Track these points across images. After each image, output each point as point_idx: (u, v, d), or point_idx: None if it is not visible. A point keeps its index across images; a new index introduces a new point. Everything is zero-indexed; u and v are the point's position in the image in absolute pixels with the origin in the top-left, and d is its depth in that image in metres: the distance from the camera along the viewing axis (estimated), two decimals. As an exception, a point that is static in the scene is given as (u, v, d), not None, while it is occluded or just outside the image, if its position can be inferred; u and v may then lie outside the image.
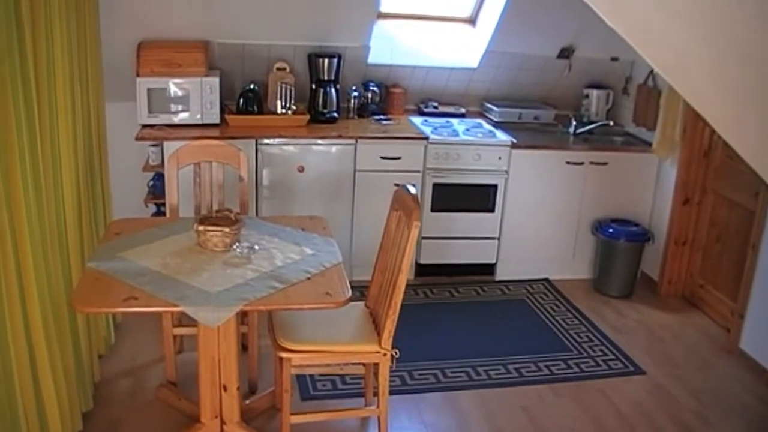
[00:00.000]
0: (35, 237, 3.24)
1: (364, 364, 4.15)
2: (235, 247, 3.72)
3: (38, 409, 3.31)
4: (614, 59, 6.34)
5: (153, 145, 5.43)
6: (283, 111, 5.65)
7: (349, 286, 3.47)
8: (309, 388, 4.46)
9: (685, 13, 2.06)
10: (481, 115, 6.45)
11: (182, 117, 5.41)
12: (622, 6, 2.41)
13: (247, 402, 4.16)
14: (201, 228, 3.69)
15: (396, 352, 3.75)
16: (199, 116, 5.42)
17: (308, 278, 3.52)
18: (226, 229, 3.68)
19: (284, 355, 3.65)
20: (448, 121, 6.10)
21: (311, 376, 4.54)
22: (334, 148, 5.53)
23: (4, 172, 2.94)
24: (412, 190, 3.76)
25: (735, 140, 2.35)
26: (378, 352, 3.73)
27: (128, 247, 3.75)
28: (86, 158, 4.27)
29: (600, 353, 5.09)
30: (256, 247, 3.75)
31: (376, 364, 3.83)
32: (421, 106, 6.33)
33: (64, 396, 3.56)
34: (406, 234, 3.61)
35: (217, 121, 5.47)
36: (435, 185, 5.74)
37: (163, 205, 5.35)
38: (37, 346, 3.28)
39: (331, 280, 3.53)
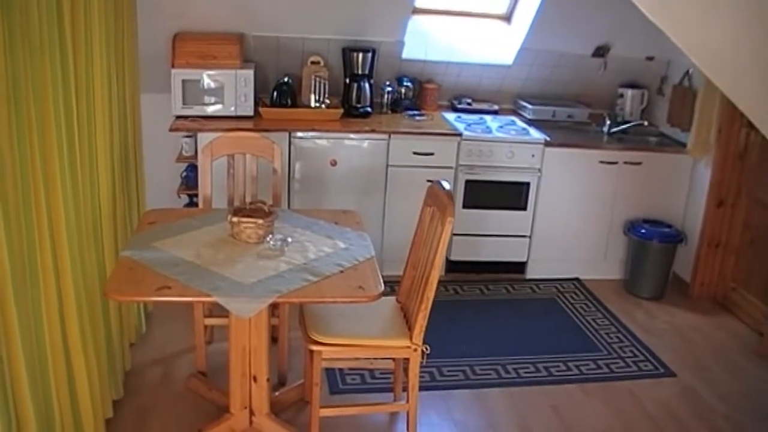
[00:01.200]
0: (71, 226, 3.26)
1: (393, 359, 4.16)
2: (268, 239, 3.72)
3: (71, 395, 3.34)
4: (650, 58, 6.29)
5: (186, 137, 5.46)
6: (317, 105, 5.66)
7: (381, 281, 3.46)
8: (338, 382, 4.46)
9: (724, 6, 2.04)
10: (515, 113, 6.42)
11: (216, 109, 5.43)
12: (666, 2, 2.39)
13: (277, 394, 4.17)
14: (235, 219, 3.70)
15: (427, 348, 3.74)
16: (232, 108, 5.44)
17: (341, 272, 3.52)
18: (260, 221, 3.69)
19: (315, 348, 3.65)
20: (481, 118, 6.08)
21: (340, 370, 4.54)
22: (366, 143, 5.52)
23: (43, 162, 2.97)
24: (446, 186, 3.75)
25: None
26: (409, 347, 3.72)
27: (162, 237, 3.77)
28: (122, 149, 4.30)
29: (630, 354, 5.06)
30: (289, 240, 3.75)
31: (406, 360, 3.82)
32: (455, 102, 6.31)
33: (96, 383, 3.58)
34: (439, 230, 3.60)
35: (251, 113, 5.49)
36: (467, 182, 5.73)
37: (196, 196, 5.38)
38: (71, 334, 3.30)
39: (364, 274, 3.53)
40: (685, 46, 2.51)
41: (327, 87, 5.66)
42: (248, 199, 4.36)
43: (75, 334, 3.32)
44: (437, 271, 3.60)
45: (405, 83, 6.07)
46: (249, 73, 5.42)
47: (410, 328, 3.74)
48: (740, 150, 5.68)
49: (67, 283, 3.23)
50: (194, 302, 4.23)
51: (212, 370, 4.40)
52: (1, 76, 2.51)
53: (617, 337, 5.27)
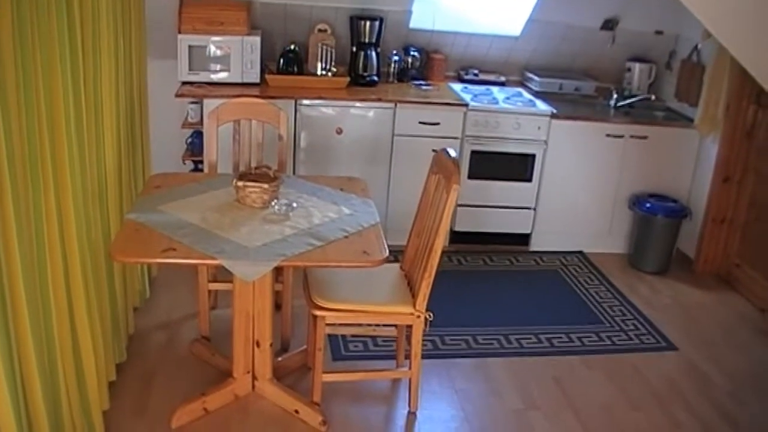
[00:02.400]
0: (77, 189, 3.26)
1: (396, 327, 4.17)
2: (273, 204, 3.73)
3: (75, 358, 3.34)
4: (658, 33, 6.26)
5: (192, 103, 5.45)
6: (323, 73, 5.64)
7: (386, 246, 3.48)
8: (341, 349, 4.47)
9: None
10: (522, 85, 6.39)
11: (222, 75, 5.41)
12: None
13: (279, 359, 4.18)
14: (240, 184, 3.70)
15: (430, 315, 3.75)
16: (239, 75, 5.42)
17: (346, 237, 3.53)
18: (265, 186, 3.69)
19: (318, 313, 3.66)
20: (488, 89, 6.05)
21: (343, 336, 4.55)
22: (372, 112, 5.51)
23: (50, 125, 2.95)
24: (453, 153, 3.75)
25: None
26: (412, 314, 3.73)
27: (168, 200, 3.78)
28: (127, 114, 4.29)
29: (632, 327, 5.06)
30: (294, 205, 3.75)
31: (409, 327, 3.83)
32: (462, 73, 6.28)
33: (100, 346, 3.59)
34: (444, 197, 3.60)
35: (257, 80, 5.47)
36: (473, 152, 5.72)
37: (201, 162, 5.38)
38: (76, 296, 3.30)
39: (368, 239, 3.54)
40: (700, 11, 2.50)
41: (334, 55, 5.64)
42: (254, 165, 4.35)
43: (80, 297, 3.32)
44: (442, 239, 3.60)
45: (412, 53, 6.04)
46: (256, 40, 5.40)
47: (414, 296, 3.75)
48: (748, 127, 5.66)
49: (72, 246, 3.23)
50: (199, 266, 4.25)
51: (216, 335, 4.41)
52: (7, 37, 2.50)
53: (620, 311, 5.27)
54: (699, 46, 5.89)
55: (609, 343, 4.85)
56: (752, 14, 2.18)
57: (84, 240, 3.36)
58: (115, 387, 3.90)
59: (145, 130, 4.82)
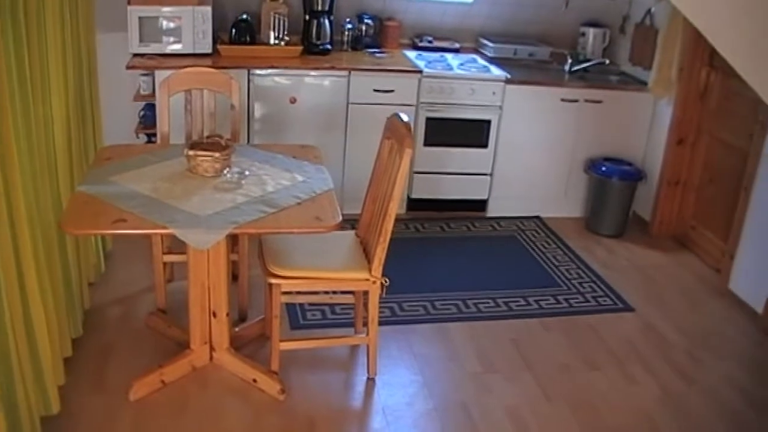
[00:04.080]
0: (24, 166, 3.19)
1: (353, 293, 4.16)
2: (225, 172, 3.70)
3: (27, 334, 3.28)
4: (612, -3, 6.28)
5: (144, 75, 5.38)
6: (276, 42, 5.59)
7: (339, 212, 3.48)
8: (299, 317, 4.46)
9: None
10: (476, 51, 6.38)
11: (174, 47, 5.34)
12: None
13: (237, 329, 4.16)
14: (191, 153, 3.67)
15: (386, 280, 3.75)
16: (191, 46, 5.36)
17: (299, 203, 3.52)
18: (217, 154, 3.66)
19: (274, 281, 3.64)
20: (442, 56, 6.04)
21: (301, 305, 4.54)
22: (327, 80, 5.47)
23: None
24: (405, 118, 3.73)
25: (743, 68, 2.34)
26: (368, 280, 3.73)
27: (119, 171, 3.74)
28: (77, 88, 4.21)
29: (589, 290, 5.10)
30: (247, 173, 3.73)
31: (366, 293, 3.84)
32: (416, 40, 6.25)
33: (54, 321, 3.54)
34: (398, 162, 3.58)
35: (209, 51, 5.41)
36: (428, 119, 5.71)
37: (154, 135, 5.32)
38: (27, 272, 3.25)
39: (321, 205, 3.53)
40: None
41: (286, 24, 5.58)
42: (206, 135, 4.31)
43: (31, 272, 3.27)
44: (396, 203, 3.59)
45: (365, 20, 6.00)
46: (207, 10, 5.33)
47: (370, 261, 3.74)
48: (701, 89, 5.70)
49: (21, 222, 3.17)
50: (153, 238, 4.21)
51: (173, 307, 4.38)
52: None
53: (577, 274, 5.31)
54: (652, 9, 5.91)
55: (566, 305, 4.89)
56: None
57: (34, 216, 3.31)
58: (72, 362, 3.85)
59: (96, 104, 4.75)
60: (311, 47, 5.69)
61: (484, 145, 5.85)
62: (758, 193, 4.95)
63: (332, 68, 5.46)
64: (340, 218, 3.42)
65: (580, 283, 5.17)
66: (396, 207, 3.60)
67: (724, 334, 4.76)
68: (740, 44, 2.34)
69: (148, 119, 5.50)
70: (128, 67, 5.18)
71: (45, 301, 3.40)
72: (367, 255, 3.82)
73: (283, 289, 3.68)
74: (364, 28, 6.00)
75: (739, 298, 5.07)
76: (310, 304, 4.54)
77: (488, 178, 5.98)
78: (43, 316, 3.38)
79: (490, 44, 6.23)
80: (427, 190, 5.93)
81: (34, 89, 3.38)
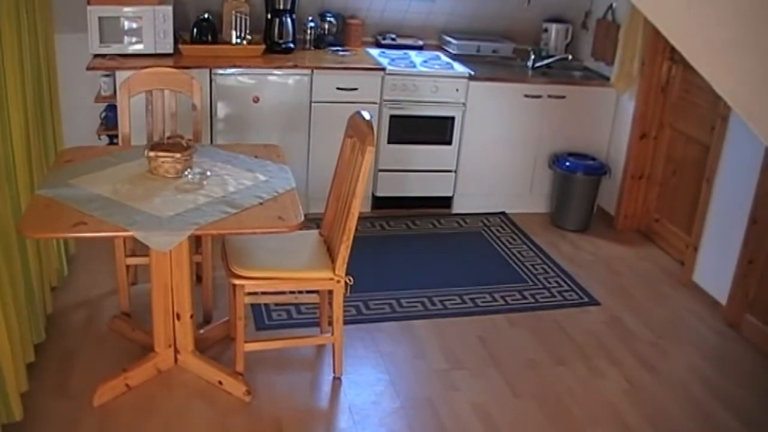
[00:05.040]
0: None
1: (318, 293, 4.15)
2: (186, 173, 3.68)
3: (-13, 339, 3.26)
4: (574, -7, 6.31)
5: (105, 76, 5.32)
6: (238, 41, 5.56)
7: (302, 211, 3.47)
8: (264, 318, 4.44)
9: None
10: (440, 48, 6.38)
11: (135, 47, 5.29)
12: None
13: (202, 332, 4.13)
14: (152, 154, 3.64)
15: (350, 279, 3.74)
16: (152, 46, 5.31)
17: (261, 203, 3.51)
18: (178, 155, 3.63)
19: (237, 282, 3.62)
20: (405, 53, 6.04)
21: (266, 305, 4.52)
22: (290, 79, 5.45)
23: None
24: (366, 115, 3.73)
25: (703, 65, 2.35)
26: (332, 279, 3.72)
27: (78, 174, 3.71)
28: (35, 90, 4.16)
29: (555, 285, 5.12)
30: (209, 174, 3.71)
31: (331, 292, 3.82)
32: (379, 38, 6.24)
33: (15, 327, 3.49)
34: (360, 159, 3.58)
35: (171, 50, 5.37)
36: (392, 117, 5.70)
37: (116, 136, 5.25)
38: (-15, 277, 3.22)
39: (283, 205, 3.52)
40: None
41: (248, 23, 5.55)
42: (167, 135, 4.28)
43: (-11, 276, 3.24)
44: (359, 201, 3.58)
45: (328, 18, 5.98)
46: (168, 9, 5.29)
47: (333, 260, 3.73)
48: (662, 83, 5.73)
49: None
50: (115, 241, 4.17)
51: (137, 311, 4.34)
52: None
53: (543, 269, 5.33)
54: (614, 4, 5.96)
55: (532, 300, 4.90)
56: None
57: (-8, 220, 3.27)
58: (34, 368, 3.81)
59: (56, 106, 4.69)
60: (274, 46, 5.67)
61: (449, 142, 5.85)
62: (720, 186, 5.00)
63: (295, 67, 5.44)
64: (303, 218, 3.41)
65: (545, 279, 5.19)
66: (359, 205, 3.59)
67: (688, 326, 4.80)
68: (697, 43, 2.36)
69: (110, 120, 5.45)
70: (89, 68, 5.12)
71: (5, 306, 3.36)
72: (331, 254, 3.81)
73: (247, 290, 3.67)
74: (326, 26, 5.98)
75: (703, 289, 5.11)
76: (276, 305, 4.52)
77: (453, 174, 5.98)
78: (3, 321, 3.33)
79: (454, 41, 6.23)
80: (391, 187, 5.93)
81: (-10, 92, 3.34)
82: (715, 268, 5.02)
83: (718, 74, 2.35)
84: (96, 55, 5.24)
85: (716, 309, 4.94)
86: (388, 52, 6.04)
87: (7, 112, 3.62)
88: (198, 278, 4.39)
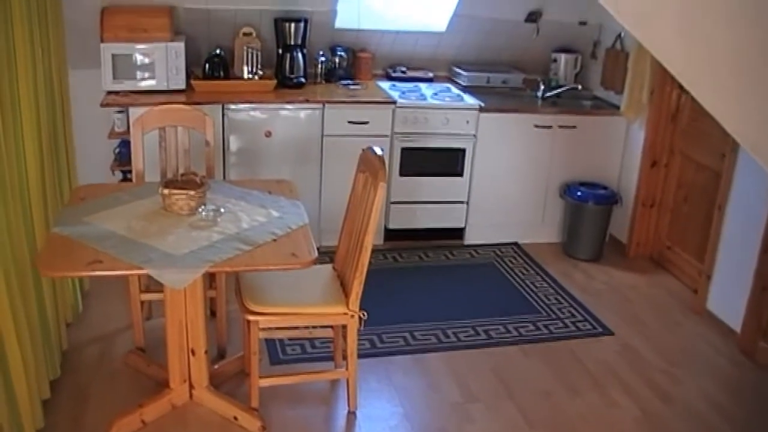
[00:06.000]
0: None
1: (332, 327, 4.16)
2: (200, 210, 3.70)
3: (4, 377, 3.27)
4: (582, 23, 6.34)
5: (118, 112, 5.38)
6: (250, 76, 5.61)
7: (315, 247, 3.48)
8: (278, 353, 4.45)
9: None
10: (450, 80, 6.42)
11: (148, 83, 5.35)
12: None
13: (216, 367, 4.14)
14: (166, 191, 3.67)
15: (364, 314, 3.75)
16: (164, 82, 5.37)
17: (274, 240, 3.52)
18: (191, 192, 3.66)
19: (251, 317, 3.64)
20: (416, 86, 6.07)
21: (280, 340, 4.53)
22: (301, 113, 5.49)
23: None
24: (378, 151, 3.75)
25: (704, 96, 2.37)
26: (346, 314, 3.73)
27: (93, 211, 3.73)
28: (50, 125, 4.21)
29: (569, 315, 5.12)
30: (222, 210, 3.73)
31: (345, 327, 3.83)
32: (389, 70, 6.29)
33: (31, 363, 3.52)
34: (372, 194, 3.60)
35: (183, 86, 5.42)
36: (403, 149, 5.73)
37: (130, 172, 5.30)
38: (2, 314, 3.24)
39: (297, 241, 3.53)
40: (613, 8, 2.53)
41: (260, 58, 5.61)
42: (181, 172, 4.31)
43: (6, 313, 3.26)
44: (371, 237, 3.60)
45: (339, 53, 6.03)
46: (180, 46, 5.35)
47: (347, 295, 3.75)
48: (672, 111, 5.75)
49: (-6, 261, 3.17)
50: (128, 276, 4.19)
51: (151, 346, 4.35)
52: None
53: (556, 299, 5.33)
54: (622, 34, 5.98)
55: (546, 331, 4.90)
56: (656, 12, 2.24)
57: (8, 256, 3.30)
58: (50, 404, 3.82)
59: (70, 142, 4.74)
60: (285, 81, 5.72)
61: (460, 174, 5.88)
62: (732, 213, 5.00)
63: (306, 101, 5.48)
64: (316, 254, 3.43)
65: (558, 309, 5.19)
66: (371, 240, 3.61)
67: (702, 354, 4.79)
68: (702, 77, 2.38)
69: (123, 156, 5.49)
70: (102, 105, 5.18)
71: (21, 342, 3.38)
72: (345, 289, 3.83)
73: (261, 326, 3.68)
74: (337, 60, 6.03)
75: (716, 317, 5.10)
76: (290, 339, 4.53)
77: (465, 206, 6.00)
78: (20, 358, 3.36)
79: (464, 73, 6.27)
80: (404, 220, 5.95)
81: (6, 128, 3.37)
82: (729, 295, 5.01)
83: (722, 108, 2.37)
84: (109, 92, 5.29)
85: (730, 337, 4.92)
86: (398, 84, 6.09)
87: (22, 147, 3.67)
88: (212, 313, 4.41)
